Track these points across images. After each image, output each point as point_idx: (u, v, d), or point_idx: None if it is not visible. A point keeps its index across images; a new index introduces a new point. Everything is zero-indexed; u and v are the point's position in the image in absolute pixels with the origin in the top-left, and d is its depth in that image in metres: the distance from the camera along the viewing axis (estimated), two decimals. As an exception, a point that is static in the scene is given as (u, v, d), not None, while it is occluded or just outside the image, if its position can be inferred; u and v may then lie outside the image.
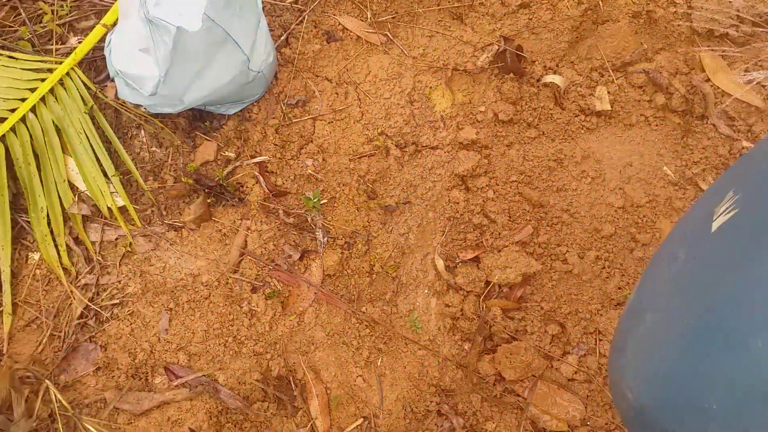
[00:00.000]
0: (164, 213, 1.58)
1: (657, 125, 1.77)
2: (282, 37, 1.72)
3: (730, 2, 1.88)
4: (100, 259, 1.52)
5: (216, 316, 1.49)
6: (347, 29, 1.78)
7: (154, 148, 1.63)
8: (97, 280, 1.49)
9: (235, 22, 1.38)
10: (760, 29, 1.89)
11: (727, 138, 1.75)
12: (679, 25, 1.88)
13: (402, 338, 1.55)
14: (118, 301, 1.48)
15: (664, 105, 1.79)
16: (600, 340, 1.54)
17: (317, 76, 1.74)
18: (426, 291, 1.61)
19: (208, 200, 1.54)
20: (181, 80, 1.35)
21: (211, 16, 1.30)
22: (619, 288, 1.58)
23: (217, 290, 1.51)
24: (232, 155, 1.62)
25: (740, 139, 1.75)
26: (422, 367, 1.53)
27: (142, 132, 1.63)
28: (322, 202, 1.61)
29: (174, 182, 1.58)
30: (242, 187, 1.60)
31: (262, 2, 1.72)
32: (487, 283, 1.59)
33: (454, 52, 1.79)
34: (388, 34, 1.79)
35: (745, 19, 1.88)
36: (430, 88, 1.77)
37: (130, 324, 1.47)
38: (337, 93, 1.73)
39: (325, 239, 1.59)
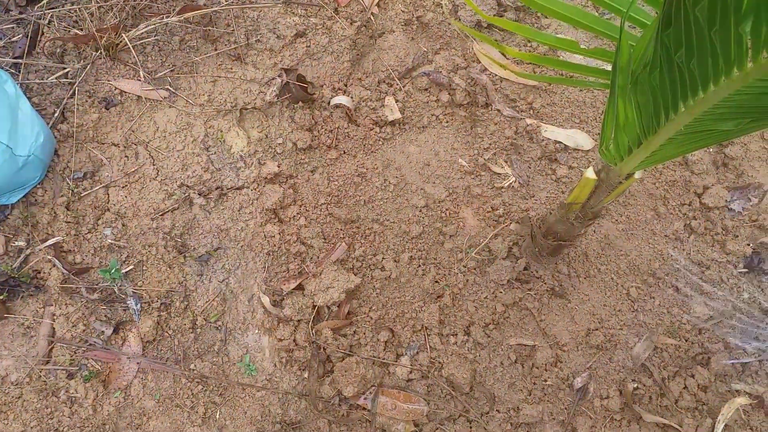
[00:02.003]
0: (-42, 321, 1.51)
1: (447, 122, 1.90)
2: (56, 114, 1.71)
3: (491, -5, 2.04)
4: None
5: (32, 414, 1.44)
6: (125, 92, 1.79)
7: (-63, 256, 1.56)
8: None
9: (-19, 112, 1.36)
10: (522, 13, 2.07)
11: (512, 119, 1.90)
12: (449, 24, 2.02)
13: (238, 385, 1.55)
14: None
15: (450, 101, 1.92)
16: (428, 335, 1.61)
17: (102, 143, 1.74)
18: (257, 331, 1.64)
19: (1, 297, 1.49)
20: (-69, 183, 1.31)
21: (-52, 112, 1.27)
22: (436, 281, 1.67)
23: (28, 386, 1.47)
24: (23, 244, 1.58)
25: (523, 118, 1.90)
26: (263, 408, 1.55)
27: None
28: (127, 269, 1.60)
29: (-37, 286, 1.52)
30: (39, 273, 1.57)
31: (28, 83, 1.71)
32: (314, 307, 1.63)
33: (240, 92, 1.84)
34: (170, 88, 1.82)
35: (508, 6, 2.05)
36: (223, 131, 1.81)
37: (-63, 447, 1.40)
38: (126, 156, 1.74)
39: (139, 306, 1.58)
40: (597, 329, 1.64)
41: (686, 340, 1.63)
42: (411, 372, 1.59)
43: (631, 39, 0.98)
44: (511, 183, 1.81)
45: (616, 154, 1.15)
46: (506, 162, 1.85)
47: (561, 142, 1.87)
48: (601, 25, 1.02)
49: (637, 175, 1.23)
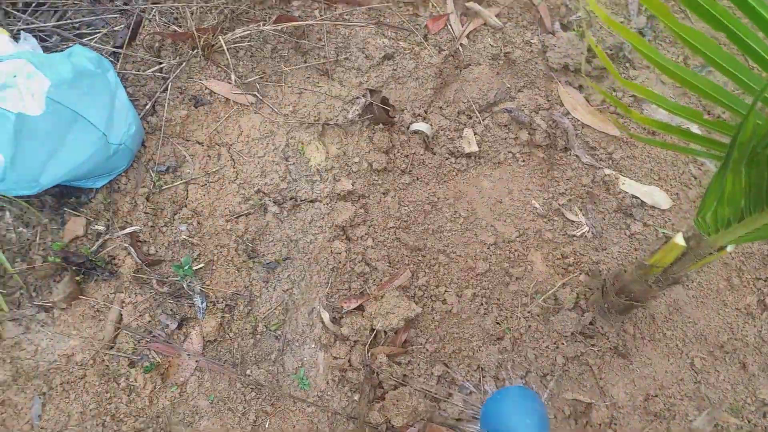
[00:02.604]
0: (33, 294, 1.56)
1: (524, 161, 1.89)
2: (147, 106, 1.76)
3: (581, 38, 2.04)
4: (-37, 351, 1.48)
5: (92, 396, 1.48)
6: (215, 92, 1.83)
7: (20, 229, 1.62)
8: (-39, 373, 1.45)
9: (86, 100, 1.41)
10: (612, 61, 2.06)
11: (590, 167, 1.88)
12: (536, 63, 2.02)
13: (290, 397, 1.57)
14: (-15, 393, 1.45)
15: (529, 141, 1.91)
16: (483, 376, 1.60)
17: (187, 140, 1.78)
18: (313, 345, 1.65)
19: (77, 277, 1.54)
20: (32, 163, 1.37)
21: (56, 99, 1.33)
22: (497, 323, 1.66)
23: (92, 369, 1.50)
24: (102, 228, 1.62)
25: (602, 167, 1.88)
26: (312, 425, 1.56)
27: (7, 214, 1.61)
28: (198, 267, 1.63)
29: (43, 262, 1.57)
30: (114, 260, 1.60)
31: (125, 73, 1.76)
32: (372, 330, 1.64)
33: (324, 107, 1.86)
34: (257, 94, 1.85)
35: (596, 54, 2.03)
36: (304, 143, 1.83)
37: (1, 414, 1.44)
38: (209, 155, 1.77)
39: (204, 304, 1.60)
40: (657, 395, 1.61)
41: (749, 422, 1.59)
42: (462, 412, 1.58)
43: (759, 117, 0.97)
44: (584, 232, 1.79)
45: (712, 226, 1.13)
46: (581, 210, 1.83)
47: (638, 198, 1.85)
48: (721, 95, 1.01)
49: (729, 248, 1.21)
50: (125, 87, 1.73)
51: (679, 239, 1.23)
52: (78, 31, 1.83)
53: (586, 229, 1.80)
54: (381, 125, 1.87)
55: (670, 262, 1.30)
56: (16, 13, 1.78)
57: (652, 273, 1.36)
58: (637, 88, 1.09)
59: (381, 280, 1.72)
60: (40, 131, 1.33)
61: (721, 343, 1.67)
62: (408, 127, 1.88)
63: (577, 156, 1.91)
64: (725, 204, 1.06)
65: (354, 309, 1.68)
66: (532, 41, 2.05)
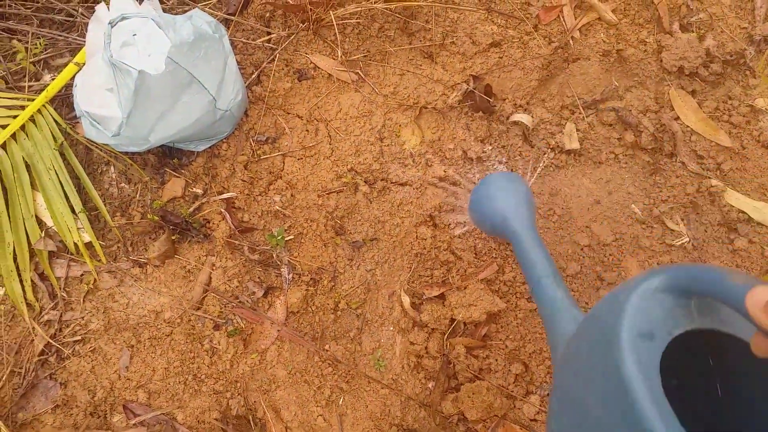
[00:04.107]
0: (130, 249, 1.61)
1: (626, 163, 1.80)
2: (253, 75, 1.77)
3: (700, 41, 1.92)
4: (64, 295, 1.55)
5: (177, 354, 1.51)
6: (319, 67, 1.82)
7: (123, 184, 1.67)
8: (60, 316, 1.52)
9: (201, 64, 1.42)
10: (730, 68, 1.93)
11: (696, 176, 1.78)
12: (649, 63, 1.92)
13: (365, 377, 1.56)
14: (80, 337, 1.51)
15: (634, 143, 1.82)
16: (563, 379, 1.55)
17: (288, 113, 1.78)
18: (391, 328, 1.63)
19: (173, 237, 1.57)
20: (146, 121, 1.39)
21: (176, 59, 1.34)
22: (584, 327, 1.59)
23: (179, 327, 1.53)
24: (200, 191, 1.65)
25: (709, 177, 1.78)
26: (384, 407, 1.54)
27: (112, 168, 1.67)
28: (288, 238, 1.64)
29: (141, 218, 1.61)
30: (209, 223, 1.63)
31: (234, 41, 1.78)
32: (452, 320, 1.61)
33: (425, 90, 1.83)
34: (360, 73, 1.83)
35: (715, 58, 1.92)
36: (400, 125, 1.80)
37: (92, 361, 1.49)
38: (307, 130, 1.77)
39: (291, 276, 1.61)
40: None
41: None
42: (538, 413, 1.53)
43: None
44: (683, 243, 1.70)
45: None
46: (682, 220, 1.73)
47: (745, 213, 1.73)
48: None
49: None
50: (234, 55, 1.75)
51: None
52: (193, -3, 1.86)
53: (687, 239, 1.70)
54: (480, 113, 1.82)
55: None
56: (137, -25, 1.83)
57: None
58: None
59: (465, 271, 1.68)
60: (157, 90, 1.35)
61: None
62: (508, 118, 1.83)
63: (683, 163, 1.81)
64: None
65: (435, 297, 1.65)
66: (647, 40, 1.94)
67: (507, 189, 1.34)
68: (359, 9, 1.83)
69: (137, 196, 1.66)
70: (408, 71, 1.86)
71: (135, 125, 1.39)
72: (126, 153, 1.64)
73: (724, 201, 1.75)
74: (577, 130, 1.84)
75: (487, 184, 1.40)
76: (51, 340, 1.51)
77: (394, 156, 1.78)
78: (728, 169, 1.79)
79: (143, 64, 1.34)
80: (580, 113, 1.87)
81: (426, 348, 1.60)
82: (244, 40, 1.81)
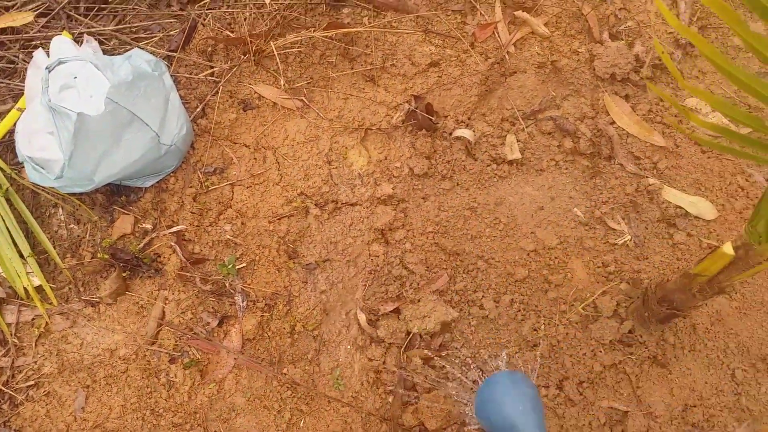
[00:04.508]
0: (81, 290, 1.61)
1: (567, 168, 1.86)
2: (198, 109, 1.80)
3: (629, 48, 2.00)
4: (15, 341, 1.54)
5: (133, 390, 1.51)
6: (263, 97, 1.86)
7: (72, 225, 1.67)
8: (12, 362, 1.51)
9: (141, 102, 1.45)
10: (659, 71, 2.02)
11: (634, 176, 1.84)
12: (583, 72, 1.99)
13: (325, 397, 1.57)
14: (33, 382, 1.50)
15: (573, 149, 1.88)
16: (520, 383, 1.57)
17: (235, 143, 1.81)
18: (349, 346, 1.65)
19: (124, 274, 1.58)
20: (88, 162, 1.41)
21: (115, 99, 1.37)
22: (534, 329, 1.64)
23: (134, 363, 1.53)
24: (149, 227, 1.67)
25: (647, 176, 1.84)
26: (345, 425, 1.55)
27: (60, 210, 1.67)
28: (240, 266, 1.65)
29: (91, 258, 1.62)
30: (159, 257, 1.64)
31: (178, 76, 1.81)
32: (408, 333, 1.63)
33: (369, 113, 1.87)
34: (304, 99, 1.87)
35: (644, 63, 2.00)
36: (347, 148, 1.84)
37: (46, 405, 1.49)
38: (255, 158, 1.80)
39: (245, 303, 1.62)
40: (695, 406, 1.56)
41: (796, 438, 1.52)
42: (497, 417, 1.56)
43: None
44: (626, 241, 1.75)
45: (764, 235, 1.09)
46: (623, 219, 1.79)
47: (682, 208, 1.80)
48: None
49: (780, 258, 1.17)
50: (177, 90, 1.78)
51: (728, 248, 1.19)
52: (135, 35, 1.89)
53: (629, 237, 1.76)
54: (424, 131, 1.87)
55: (716, 271, 1.26)
56: (78, 17, 1.85)
57: (697, 282, 1.32)
58: (701, 94, 1.04)
59: (418, 284, 1.71)
60: (97, 130, 1.37)
61: (763, 355, 1.60)
62: (450, 133, 1.88)
63: (621, 165, 1.87)
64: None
65: (390, 311, 1.68)
66: (579, 50, 2.02)
67: (513, 393, 1.29)
68: (299, 38, 1.88)
69: (87, 236, 1.67)
70: (351, 95, 1.91)
71: (77, 166, 1.41)
72: (73, 194, 1.65)
73: (662, 198, 1.81)
74: (518, 140, 1.89)
75: (492, 386, 1.34)
76: (3, 388, 1.49)
77: (342, 178, 1.82)
78: (664, 168, 1.86)
79: (84, 105, 1.37)
80: (519, 124, 1.92)
81: (384, 363, 1.62)
82: (188, 75, 1.84)
